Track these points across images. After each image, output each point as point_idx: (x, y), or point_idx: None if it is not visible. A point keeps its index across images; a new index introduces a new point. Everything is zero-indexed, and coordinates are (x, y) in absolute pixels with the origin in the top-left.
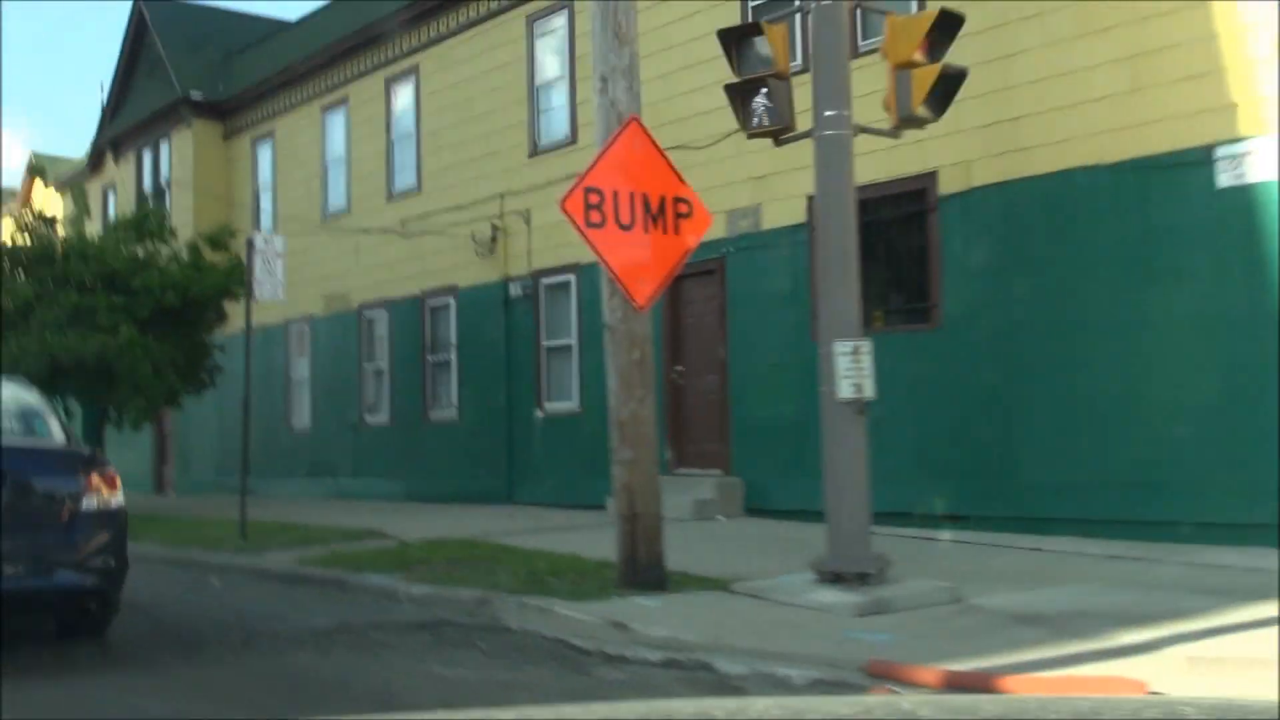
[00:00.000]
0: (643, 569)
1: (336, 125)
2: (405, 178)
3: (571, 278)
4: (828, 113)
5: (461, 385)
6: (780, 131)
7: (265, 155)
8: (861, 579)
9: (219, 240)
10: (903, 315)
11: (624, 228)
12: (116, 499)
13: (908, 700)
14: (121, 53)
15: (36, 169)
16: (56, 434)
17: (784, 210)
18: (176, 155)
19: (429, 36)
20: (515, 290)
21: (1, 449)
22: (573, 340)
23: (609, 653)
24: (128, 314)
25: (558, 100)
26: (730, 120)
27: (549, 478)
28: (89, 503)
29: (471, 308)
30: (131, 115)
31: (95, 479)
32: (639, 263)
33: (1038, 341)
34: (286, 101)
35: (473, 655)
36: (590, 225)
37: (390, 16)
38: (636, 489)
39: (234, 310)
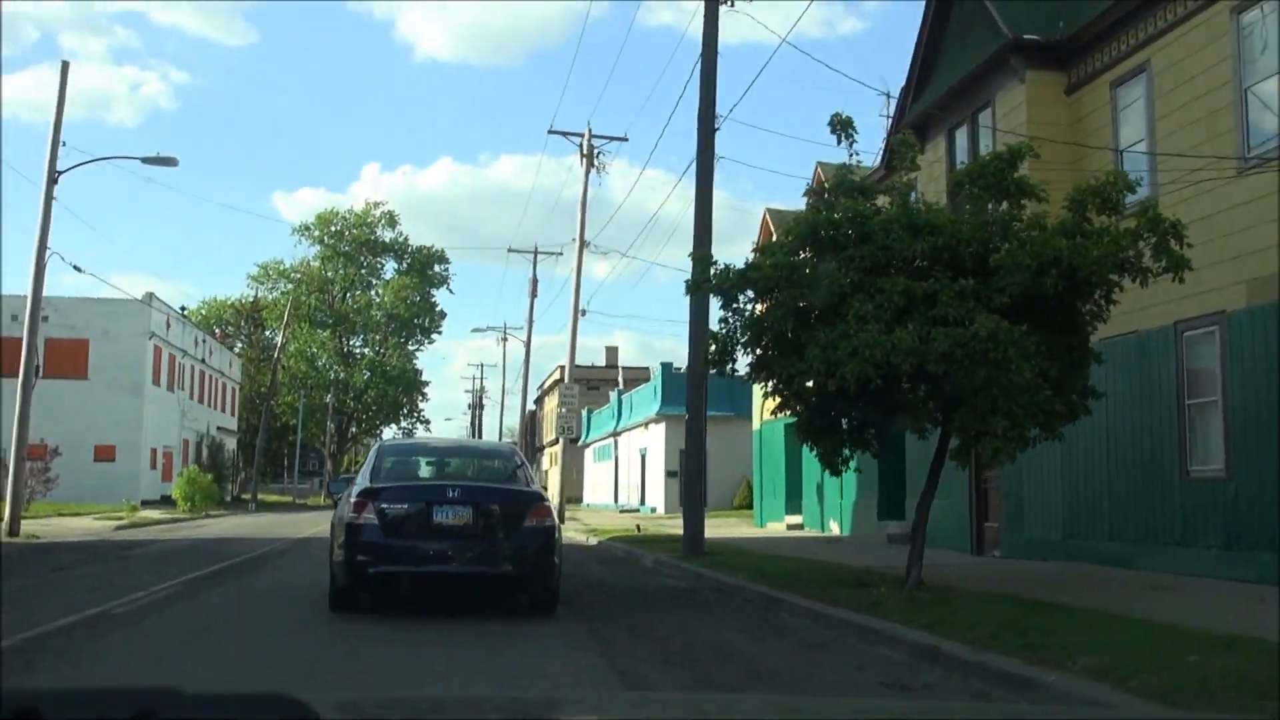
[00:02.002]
0: None
1: (1266, 29)
2: None
3: None
4: None
5: None
6: None
7: (1132, 99)
8: None
9: (1111, 195)
10: None
11: None
12: (547, 522)
13: (901, 703)
14: (924, 23)
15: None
16: (517, 479)
17: None
18: (1003, 122)
19: None
20: None
21: (474, 488)
22: None
23: None
24: (979, 302)
25: None
26: None
27: None
28: (527, 524)
29: None
30: (937, 90)
31: (533, 508)
32: None
33: None
34: (1166, 18)
35: None
36: None
37: None
38: None
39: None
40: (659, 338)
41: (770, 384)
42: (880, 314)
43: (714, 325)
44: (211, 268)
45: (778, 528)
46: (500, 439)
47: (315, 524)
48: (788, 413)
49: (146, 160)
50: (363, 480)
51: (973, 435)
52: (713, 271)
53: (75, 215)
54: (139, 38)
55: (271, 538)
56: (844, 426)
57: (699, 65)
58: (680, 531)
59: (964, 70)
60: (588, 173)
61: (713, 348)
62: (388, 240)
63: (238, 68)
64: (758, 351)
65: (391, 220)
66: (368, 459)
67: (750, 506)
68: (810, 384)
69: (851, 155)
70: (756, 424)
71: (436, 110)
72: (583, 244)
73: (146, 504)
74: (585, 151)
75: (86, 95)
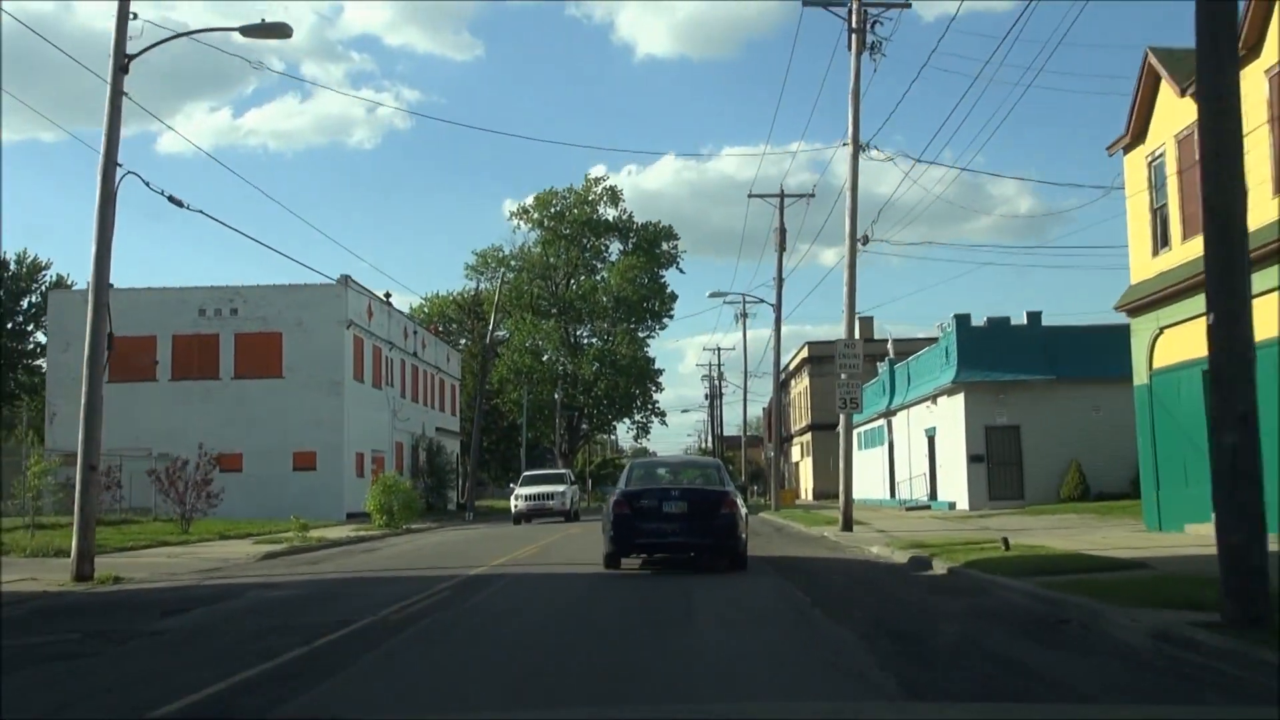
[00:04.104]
0: None
1: None
2: None
3: None
4: None
5: None
6: None
7: None
8: None
9: None
10: None
11: None
12: (735, 511)
13: (901, 709)
14: None
15: None
16: (718, 481)
17: None
18: None
19: None
20: None
21: (687, 489)
22: None
23: None
24: None
25: None
26: None
27: None
28: (721, 510)
29: None
30: None
31: (725, 501)
32: None
33: None
34: None
35: None
36: None
37: None
38: None
39: None
40: (890, 319)
41: None
42: None
43: None
44: (443, 277)
45: (1200, 532)
46: (744, 431)
47: (516, 543)
48: None
49: (246, 31)
50: (621, 486)
51: None
52: None
53: (295, 214)
54: (373, 60)
55: (435, 575)
56: None
57: None
58: (1066, 547)
59: None
60: (859, 54)
61: None
62: (611, 219)
63: (466, 82)
64: None
65: (614, 197)
66: (622, 473)
67: (1083, 498)
68: None
69: None
70: (1141, 377)
71: (658, 107)
72: (857, 146)
73: (352, 516)
74: (855, 24)
75: (329, 122)
